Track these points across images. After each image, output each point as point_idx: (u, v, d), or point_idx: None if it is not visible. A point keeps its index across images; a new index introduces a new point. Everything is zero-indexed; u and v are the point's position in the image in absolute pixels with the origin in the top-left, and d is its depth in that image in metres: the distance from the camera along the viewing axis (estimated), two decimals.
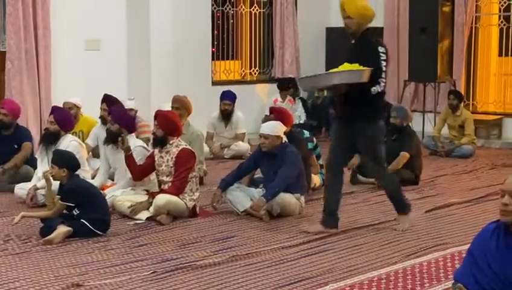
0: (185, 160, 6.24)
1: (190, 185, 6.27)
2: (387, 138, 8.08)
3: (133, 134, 6.80)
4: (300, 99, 12.01)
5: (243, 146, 9.60)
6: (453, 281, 3.67)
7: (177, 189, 6.19)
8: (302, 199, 6.53)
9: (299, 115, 11.84)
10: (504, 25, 11.46)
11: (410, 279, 4.72)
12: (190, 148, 6.47)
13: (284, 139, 6.63)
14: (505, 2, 11.40)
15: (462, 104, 10.30)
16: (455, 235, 5.79)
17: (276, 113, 7.16)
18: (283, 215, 6.32)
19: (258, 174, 6.98)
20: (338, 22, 12.39)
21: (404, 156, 7.82)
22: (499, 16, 11.57)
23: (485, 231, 3.62)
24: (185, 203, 6.20)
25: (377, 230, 5.99)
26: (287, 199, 6.31)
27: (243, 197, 6.46)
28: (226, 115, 9.69)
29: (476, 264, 3.56)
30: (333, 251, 5.36)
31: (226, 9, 11.57)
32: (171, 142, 6.33)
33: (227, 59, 11.90)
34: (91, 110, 8.20)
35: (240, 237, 5.72)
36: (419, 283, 4.66)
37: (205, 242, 5.56)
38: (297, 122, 11.52)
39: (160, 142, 6.36)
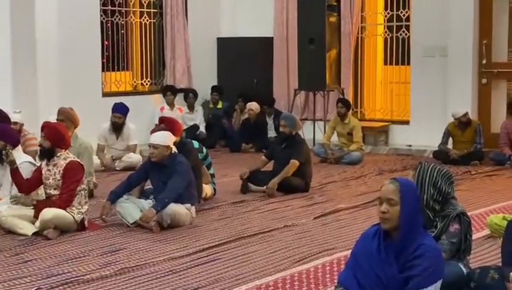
0: (73, 173, 6.12)
1: (78, 198, 6.15)
2: (277, 146, 8.24)
3: (20, 149, 6.62)
4: (202, 106, 12.06)
5: (134, 157, 9.49)
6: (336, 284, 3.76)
7: (65, 202, 6.06)
8: (193, 209, 6.53)
9: (198, 123, 11.88)
10: (388, 34, 11.86)
11: (297, 285, 4.79)
12: (78, 160, 6.35)
13: (174, 149, 6.61)
14: (388, 13, 11.80)
15: (350, 111, 10.58)
16: (342, 240, 5.93)
17: (166, 123, 7.14)
18: (173, 225, 6.29)
19: (149, 185, 6.93)
20: (229, 32, 12.66)
21: (294, 164, 7.93)
22: (384, 26, 11.96)
23: (366, 234, 3.73)
24: (73, 216, 6.08)
25: (267, 238, 6.05)
26: (177, 209, 6.28)
27: (132, 208, 6.39)
28: (117, 127, 9.58)
29: (359, 267, 3.67)
30: (223, 260, 5.38)
31: (115, 19, 11.44)
32: (58, 154, 6.19)
33: (118, 70, 11.78)
34: None
35: (129, 249, 5.66)
36: (306, 288, 4.74)
37: (93, 256, 5.46)
38: (198, 132, 11.60)
39: (47, 154, 6.21)
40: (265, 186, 7.92)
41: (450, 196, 4.52)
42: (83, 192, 6.20)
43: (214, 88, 12.23)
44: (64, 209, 6.04)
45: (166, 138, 6.45)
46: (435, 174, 4.45)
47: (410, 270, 3.50)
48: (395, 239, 3.57)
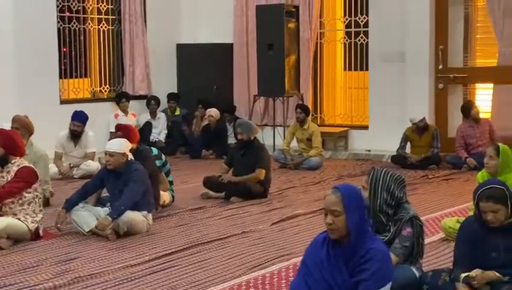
0: (24, 175, 6.00)
1: (33, 206, 6.07)
2: (236, 153, 8.24)
3: None
4: (163, 112, 12.03)
5: (93, 165, 9.41)
6: None
7: (5, 193, 5.91)
8: (150, 216, 6.49)
9: (159, 131, 11.83)
10: (347, 40, 11.95)
11: None
12: (32, 166, 6.27)
13: (130, 156, 6.58)
14: (347, 19, 11.89)
15: (309, 117, 10.62)
16: (299, 246, 5.94)
17: (123, 131, 7.10)
18: (130, 233, 6.24)
19: (106, 192, 6.88)
20: (188, 38, 12.64)
21: (261, 173, 7.95)
22: (343, 32, 12.04)
23: (316, 241, 3.74)
24: (27, 225, 6.00)
25: (224, 244, 6.04)
26: (134, 217, 6.24)
27: (88, 216, 6.33)
28: (75, 135, 9.49)
29: (310, 275, 3.67)
30: (179, 267, 5.36)
31: (73, 26, 11.35)
32: (13, 161, 6.11)
33: (77, 77, 11.68)
34: None
35: (85, 258, 5.60)
36: None
37: (47, 265, 5.40)
38: (156, 140, 11.55)
39: (1, 161, 6.12)
40: (224, 193, 7.93)
41: (403, 200, 4.57)
42: (37, 200, 6.13)
43: (170, 96, 12.20)
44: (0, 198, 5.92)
45: (122, 145, 6.41)
46: (388, 179, 4.50)
47: (359, 274, 3.52)
48: (344, 245, 3.59)
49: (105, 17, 11.88)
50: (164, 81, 12.41)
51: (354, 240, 3.54)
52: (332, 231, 3.57)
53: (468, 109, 9.99)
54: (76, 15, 11.45)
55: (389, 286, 3.54)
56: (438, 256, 5.58)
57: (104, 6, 11.82)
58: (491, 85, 10.85)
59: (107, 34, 11.96)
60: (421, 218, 6.13)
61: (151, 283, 4.96)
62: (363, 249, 3.54)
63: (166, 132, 11.96)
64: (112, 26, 11.99)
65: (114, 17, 11.99)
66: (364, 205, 3.65)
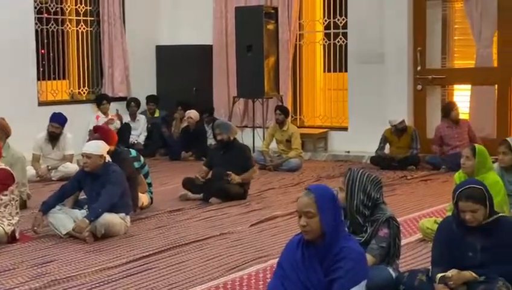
0: (1, 177, 5.97)
1: (9, 208, 6.04)
2: (216, 153, 8.24)
3: None
4: (143, 114, 11.98)
5: (71, 167, 9.34)
6: None
7: None
8: (128, 218, 6.46)
9: (139, 133, 11.79)
10: (326, 42, 11.98)
11: None
12: (9, 168, 6.23)
13: (108, 158, 6.55)
14: (326, 20, 11.92)
15: (288, 119, 10.64)
16: (277, 247, 5.93)
17: (100, 132, 7.07)
18: (108, 235, 6.21)
19: (84, 195, 6.83)
20: (168, 40, 12.61)
21: (254, 171, 8.17)
22: (322, 34, 12.07)
23: (291, 243, 3.74)
24: (3, 228, 5.95)
25: (203, 246, 6.02)
26: (111, 219, 6.21)
27: (65, 219, 6.29)
28: (53, 137, 9.44)
29: (286, 277, 3.67)
30: (156, 269, 5.34)
31: (51, 27, 11.29)
32: None
33: (55, 79, 11.61)
34: None
35: (61, 261, 5.57)
36: None
37: (23, 268, 5.36)
38: (135, 142, 11.50)
39: None
40: (202, 194, 7.93)
41: (379, 201, 4.58)
42: (13, 202, 6.09)
43: (149, 98, 12.16)
44: None
45: (99, 147, 6.38)
46: (364, 180, 4.51)
47: (334, 273, 3.53)
48: (319, 245, 3.59)
49: (84, 18, 11.81)
50: (143, 83, 12.37)
51: (329, 240, 3.55)
52: (306, 232, 3.58)
53: (448, 109, 10.04)
54: (55, 16, 11.38)
55: (363, 283, 3.54)
56: (415, 257, 5.60)
57: (83, 7, 11.75)
58: (469, 86, 10.92)
59: (86, 35, 11.89)
60: (399, 219, 6.19)
61: (128, 286, 4.94)
62: (337, 248, 3.54)
63: (146, 134, 11.92)
64: (90, 27, 11.93)
65: (92, 18, 11.92)
66: (338, 205, 3.65)
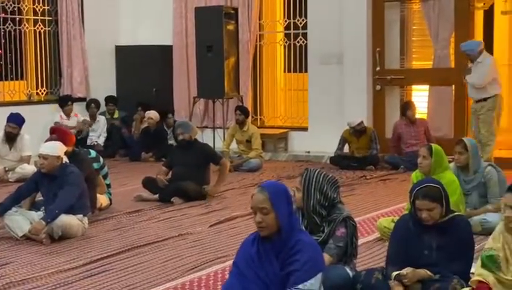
0: None
1: None
2: (177, 152, 8.22)
3: None
4: (102, 115, 11.87)
5: (28, 169, 9.22)
6: None
7: None
8: (86, 220, 6.40)
9: (98, 134, 11.68)
10: (286, 42, 12.01)
11: None
12: None
13: (65, 159, 6.48)
14: (285, 21, 11.96)
15: (248, 119, 10.65)
16: (236, 247, 5.82)
17: (57, 133, 6.99)
18: (65, 237, 6.15)
19: (41, 196, 6.75)
20: (127, 40, 12.52)
21: (225, 164, 8.23)
22: (283, 34, 12.10)
23: (246, 241, 3.75)
24: None
25: (161, 247, 6.00)
26: (68, 220, 6.15)
27: (22, 221, 6.21)
28: (10, 138, 9.32)
29: (242, 274, 3.67)
30: (114, 270, 5.30)
31: (8, 27, 11.13)
32: None
33: (12, 79, 11.45)
34: None
35: (17, 263, 5.50)
36: None
37: None
38: (95, 143, 11.39)
39: None
40: (158, 195, 7.90)
41: (336, 201, 4.60)
42: None
43: (109, 99, 12.07)
44: None
45: (56, 148, 6.31)
46: (321, 179, 4.53)
47: (290, 266, 3.55)
48: (274, 240, 3.61)
49: (42, 18, 11.68)
50: (103, 83, 12.27)
51: (284, 235, 3.57)
52: (262, 228, 3.59)
53: (405, 108, 10.18)
54: (12, 16, 11.23)
55: (319, 276, 3.55)
56: (372, 256, 5.65)
57: (40, 7, 11.62)
58: (427, 87, 11.05)
59: (44, 35, 11.76)
60: (358, 218, 6.26)
61: (85, 288, 4.90)
62: (292, 241, 3.57)
63: (105, 135, 11.82)
64: (48, 27, 11.80)
65: (51, 18, 11.79)
66: (290, 200, 3.68)
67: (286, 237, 3.58)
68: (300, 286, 3.51)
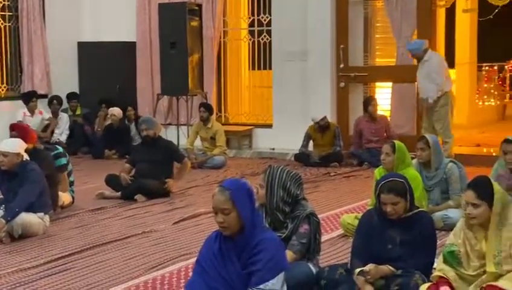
0: None
1: None
2: (141, 149, 8.16)
3: None
4: (64, 112, 11.73)
5: None
6: None
7: None
8: (47, 218, 6.31)
9: (61, 132, 11.54)
10: (250, 39, 11.99)
11: None
12: None
13: (25, 156, 6.38)
14: (250, 18, 11.94)
15: (213, 116, 10.62)
16: (200, 245, 5.80)
17: (18, 130, 6.89)
18: (25, 236, 6.05)
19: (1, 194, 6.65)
20: (90, 36, 12.40)
21: (186, 164, 8.20)
22: (247, 31, 12.08)
23: (209, 239, 3.73)
24: None
25: (124, 245, 5.94)
26: (29, 218, 6.05)
27: None
28: None
29: (204, 272, 3.65)
30: (75, 269, 5.23)
31: None
32: None
33: None
34: None
35: None
36: None
37: None
38: (57, 140, 11.25)
39: None
40: (120, 192, 7.85)
41: (300, 198, 4.58)
42: None
43: (71, 96, 11.95)
44: None
45: (16, 145, 6.22)
46: (284, 176, 4.51)
47: (252, 265, 3.53)
48: (237, 239, 3.59)
49: (2, 13, 11.51)
50: (65, 80, 12.13)
51: (247, 233, 3.55)
52: (224, 228, 3.57)
53: (366, 104, 10.26)
54: None
55: (282, 275, 3.54)
56: (336, 252, 5.66)
57: (1, 2, 11.45)
58: (390, 84, 11.12)
59: (4, 31, 11.59)
60: (321, 215, 6.27)
61: (45, 286, 4.83)
62: (255, 241, 3.54)
63: (68, 132, 11.69)
64: (8, 22, 11.63)
65: (11, 13, 11.63)
66: (252, 198, 3.64)
67: (249, 236, 3.55)
68: (261, 286, 3.49)
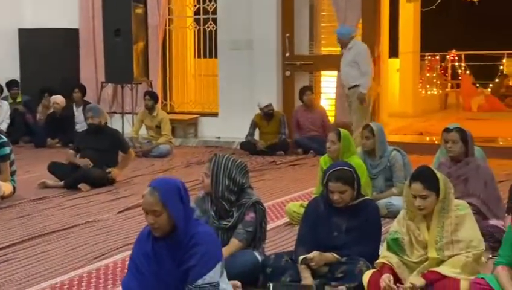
0: None
1: None
2: (86, 137, 8.05)
3: None
4: (5, 99, 11.49)
5: None
6: None
7: None
8: None
9: (1, 121, 11.29)
10: (196, 27, 11.92)
11: (94, 282, 4.66)
12: None
13: None
14: (195, 6, 11.85)
15: (158, 104, 10.52)
16: None
17: None
18: None
19: None
20: (31, 23, 12.14)
21: (131, 154, 8.16)
22: (193, 19, 12.00)
23: (141, 235, 3.65)
24: None
25: (67, 235, 5.85)
26: None
27: None
28: None
29: (138, 270, 3.58)
30: (16, 260, 5.12)
31: None
32: None
33: None
34: None
35: None
36: (102, 285, 4.62)
37: None
38: None
39: None
40: (63, 181, 7.72)
41: (245, 186, 4.58)
42: None
43: (11, 83, 11.70)
44: None
45: None
46: (230, 165, 4.49)
47: (188, 261, 3.46)
48: (169, 238, 3.51)
49: None
50: (5, 67, 11.86)
51: (180, 232, 3.47)
52: (155, 229, 3.49)
53: (302, 93, 10.31)
54: None
55: (219, 266, 3.49)
56: (282, 240, 5.66)
57: None
58: (335, 72, 11.17)
59: None
60: (267, 203, 6.28)
61: None
62: (188, 237, 3.47)
63: (9, 120, 11.44)
64: None
65: None
66: (183, 196, 3.52)
67: (181, 234, 3.48)
68: (199, 281, 3.43)
